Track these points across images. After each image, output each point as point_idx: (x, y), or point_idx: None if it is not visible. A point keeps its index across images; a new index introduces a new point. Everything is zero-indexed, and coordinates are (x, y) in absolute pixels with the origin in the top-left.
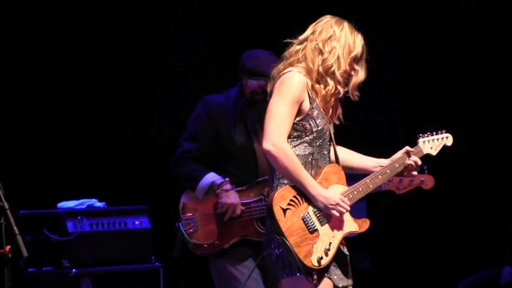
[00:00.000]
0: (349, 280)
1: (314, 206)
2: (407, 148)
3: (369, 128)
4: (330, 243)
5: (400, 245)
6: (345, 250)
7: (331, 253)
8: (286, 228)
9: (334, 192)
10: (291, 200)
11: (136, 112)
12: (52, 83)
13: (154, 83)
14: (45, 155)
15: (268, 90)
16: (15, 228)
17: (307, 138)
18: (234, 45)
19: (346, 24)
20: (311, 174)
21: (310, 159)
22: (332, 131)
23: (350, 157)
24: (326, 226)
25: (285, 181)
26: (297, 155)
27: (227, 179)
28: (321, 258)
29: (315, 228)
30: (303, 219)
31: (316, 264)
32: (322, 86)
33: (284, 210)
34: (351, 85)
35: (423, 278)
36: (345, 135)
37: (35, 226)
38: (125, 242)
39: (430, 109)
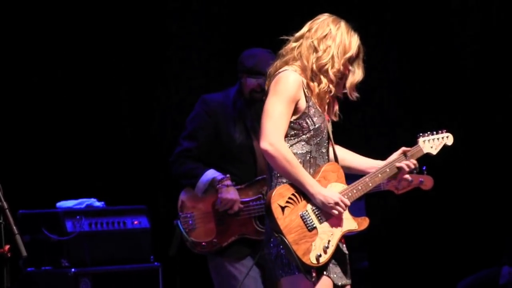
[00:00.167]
0: (348, 279)
1: (313, 204)
2: (404, 148)
3: (369, 128)
4: (329, 241)
5: (398, 245)
6: (344, 249)
7: (330, 251)
8: (284, 226)
9: (332, 190)
10: (290, 198)
11: (135, 112)
12: (51, 83)
13: (153, 83)
14: (44, 155)
15: (266, 88)
16: (14, 227)
17: (304, 136)
18: (234, 44)
19: (343, 24)
20: (309, 172)
21: (308, 158)
22: (330, 129)
23: (348, 156)
24: (325, 224)
25: (284, 180)
26: (294, 154)
27: (227, 175)
28: (320, 255)
29: (314, 226)
30: (301, 217)
31: (314, 261)
32: (316, 84)
33: (283, 208)
34: (348, 84)
35: (422, 278)
36: (345, 135)
37: (34, 226)
38: (124, 242)
39: (429, 109)
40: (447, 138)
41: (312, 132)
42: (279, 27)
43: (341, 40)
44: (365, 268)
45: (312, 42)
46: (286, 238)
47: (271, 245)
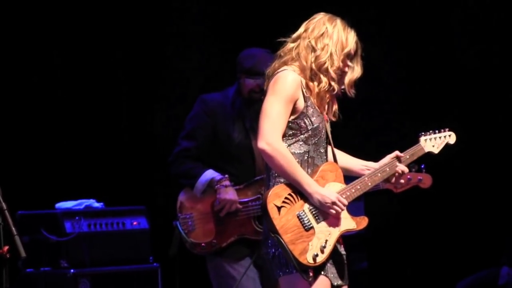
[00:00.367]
0: (345, 280)
1: (310, 203)
2: (397, 152)
3: (368, 128)
4: (326, 240)
5: (397, 245)
6: (342, 250)
7: (327, 251)
8: (280, 226)
9: (330, 190)
10: (286, 198)
11: (134, 112)
12: (50, 83)
13: (152, 83)
14: (43, 155)
15: (265, 88)
16: (13, 228)
17: (302, 136)
18: (234, 43)
19: (339, 21)
20: (307, 172)
21: (306, 157)
22: (329, 129)
23: (340, 158)
24: (322, 223)
25: (281, 180)
26: (292, 154)
27: (226, 175)
28: (317, 255)
29: (311, 225)
30: (298, 217)
31: (311, 261)
32: (316, 83)
33: (279, 208)
34: (347, 81)
35: (421, 278)
36: (344, 136)
37: (33, 227)
38: (123, 243)
39: (429, 109)
40: (450, 137)
41: (310, 132)
42: (279, 27)
43: (338, 37)
44: (364, 268)
45: (310, 41)
46: (282, 238)
47: (269, 245)
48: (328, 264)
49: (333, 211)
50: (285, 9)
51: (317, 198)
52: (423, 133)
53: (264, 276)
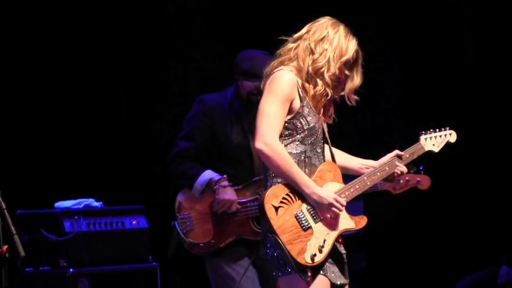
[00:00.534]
0: (346, 278)
1: (308, 203)
2: (397, 151)
3: (368, 129)
4: (325, 240)
5: (397, 245)
6: (342, 249)
7: (326, 250)
8: (278, 226)
9: (328, 190)
10: (284, 198)
11: (134, 112)
12: (49, 83)
13: (152, 82)
14: (42, 155)
15: (262, 87)
16: (12, 228)
17: (298, 136)
18: (234, 44)
19: (342, 27)
20: (305, 172)
21: (303, 157)
22: (326, 129)
23: (339, 157)
24: (321, 223)
25: (279, 180)
26: (289, 154)
27: (224, 176)
28: (315, 255)
29: (309, 225)
30: (296, 217)
31: (309, 261)
32: (311, 86)
33: (276, 208)
34: (347, 89)
35: (420, 278)
36: (343, 136)
37: (33, 226)
38: (122, 242)
39: (428, 109)
40: (450, 135)
41: (306, 132)
42: (279, 28)
43: (338, 43)
44: (363, 268)
45: (309, 44)
46: (279, 238)
47: (268, 245)
48: (328, 264)
49: (331, 212)
50: (285, 9)
51: (314, 199)
52: (423, 132)
53: (263, 277)
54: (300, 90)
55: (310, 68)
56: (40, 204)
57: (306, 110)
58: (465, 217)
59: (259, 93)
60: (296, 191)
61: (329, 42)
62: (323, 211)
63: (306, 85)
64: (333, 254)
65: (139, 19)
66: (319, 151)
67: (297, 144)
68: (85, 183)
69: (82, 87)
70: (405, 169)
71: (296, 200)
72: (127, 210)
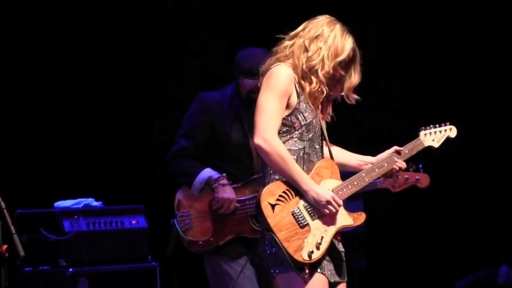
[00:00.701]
0: (343, 277)
1: (306, 200)
2: (396, 147)
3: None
4: (322, 237)
5: (396, 245)
6: (340, 247)
7: (323, 247)
8: (274, 224)
9: (326, 187)
10: (280, 196)
11: (133, 111)
12: (48, 82)
13: (151, 82)
14: (41, 154)
15: (259, 85)
16: (12, 227)
17: (296, 132)
18: (233, 43)
19: (338, 26)
20: (303, 169)
21: (301, 154)
22: (324, 126)
23: (337, 153)
24: (318, 220)
25: (277, 177)
26: (288, 150)
27: (224, 174)
28: (312, 252)
29: (306, 223)
30: (293, 214)
31: (306, 258)
32: (307, 83)
33: (273, 206)
34: (345, 89)
35: (420, 277)
36: (342, 136)
37: (32, 226)
38: (121, 242)
39: (427, 109)
40: (450, 131)
41: (304, 128)
42: (279, 27)
43: (333, 42)
44: (363, 268)
45: (304, 41)
46: (276, 236)
47: (266, 242)
48: (325, 262)
49: (327, 211)
50: (285, 9)
51: (312, 196)
52: (423, 127)
53: (262, 275)
54: (297, 85)
55: (304, 66)
56: (40, 204)
57: (303, 106)
58: (465, 216)
59: (259, 91)
60: (294, 188)
61: (323, 40)
62: (320, 209)
63: (302, 82)
64: (331, 251)
65: (139, 17)
66: (317, 147)
67: (295, 141)
68: (85, 183)
69: (82, 86)
70: (403, 165)
71: (293, 198)
72: (127, 210)
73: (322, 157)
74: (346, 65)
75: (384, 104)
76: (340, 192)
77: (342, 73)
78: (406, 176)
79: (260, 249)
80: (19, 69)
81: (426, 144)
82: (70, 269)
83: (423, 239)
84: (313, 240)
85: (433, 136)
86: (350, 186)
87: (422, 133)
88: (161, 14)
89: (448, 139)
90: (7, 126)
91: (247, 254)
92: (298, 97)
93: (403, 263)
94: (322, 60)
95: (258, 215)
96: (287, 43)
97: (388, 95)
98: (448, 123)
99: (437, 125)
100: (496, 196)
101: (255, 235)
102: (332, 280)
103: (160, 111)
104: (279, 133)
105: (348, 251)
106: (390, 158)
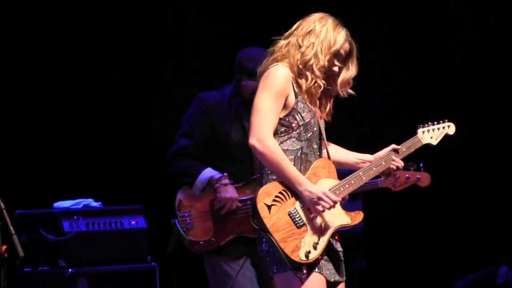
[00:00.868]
0: (341, 276)
1: (302, 200)
2: (394, 145)
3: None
4: (320, 237)
5: (396, 245)
6: (338, 247)
7: (320, 247)
8: (271, 225)
9: (319, 186)
10: (277, 196)
11: (132, 111)
12: (48, 82)
13: (151, 82)
14: (41, 154)
15: (257, 86)
16: (11, 228)
17: (294, 132)
18: (233, 43)
19: (330, 20)
20: (300, 169)
21: (299, 154)
22: (322, 126)
23: (335, 151)
24: (315, 220)
25: (274, 177)
26: (286, 150)
27: (225, 174)
28: (309, 252)
29: (303, 223)
30: (289, 215)
31: (304, 258)
32: (303, 80)
33: (269, 207)
34: (340, 80)
35: (420, 277)
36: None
37: (31, 226)
38: (121, 242)
39: (427, 108)
40: (449, 128)
41: (301, 128)
42: (279, 27)
43: (326, 36)
44: (362, 268)
45: (297, 39)
46: (273, 237)
47: (263, 241)
48: (323, 261)
49: (320, 208)
50: (285, 9)
51: (306, 195)
52: (421, 125)
53: (262, 276)
54: (294, 85)
55: (299, 62)
56: (39, 204)
57: (301, 106)
58: (465, 216)
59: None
60: (290, 189)
61: (316, 35)
62: (313, 207)
63: (299, 80)
64: (329, 251)
65: (139, 19)
66: (315, 147)
67: (293, 141)
68: (84, 183)
69: (82, 87)
70: (401, 163)
71: (289, 198)
72: (126, 210)
73: (320, 157)
74: (343, 58)
75: (384, 104)
76: (338, 192)
77: (340, 65)
78: (407, 175)
79: (258, 248)
80: (19, 69)
81: (424, 141)
82: (70, 270)
83: (422, 239)
84: (310, 240)
85: (432, 134)
86: (347, 185)
87: (420, 130)
88: (161, 14)
89: (446, 136)
90: (7, 127)
91: (248, 255)
92: (296, 97)
93: (403, 263)
94: (316, 55)
95: (254, 216)
96: (283, 42)
97: (388, 95)
98: (446, 120)
99: (435, 122)
100: (496, 196)
101: (256, 235)
102: (332, 280)
103: (160, 111)
104: (276, 133)
105: (348, 251)
106: (388, 156)
